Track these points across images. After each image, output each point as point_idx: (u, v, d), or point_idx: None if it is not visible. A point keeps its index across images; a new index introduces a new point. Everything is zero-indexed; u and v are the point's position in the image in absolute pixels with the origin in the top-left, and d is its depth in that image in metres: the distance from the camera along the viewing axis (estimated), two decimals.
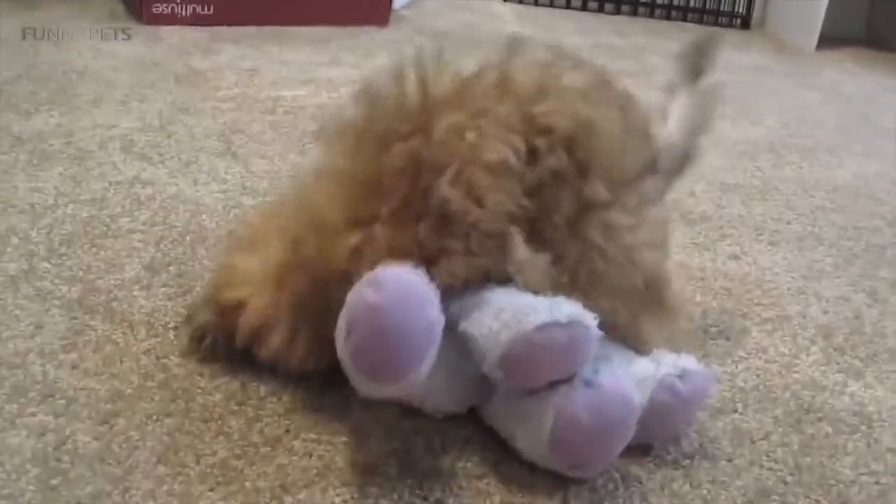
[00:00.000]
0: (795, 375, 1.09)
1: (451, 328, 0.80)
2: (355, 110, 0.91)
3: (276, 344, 0.90)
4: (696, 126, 1.07)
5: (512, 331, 0.80)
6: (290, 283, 0.90)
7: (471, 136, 0.85)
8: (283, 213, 0.97)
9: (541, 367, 0.81)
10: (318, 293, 0.87)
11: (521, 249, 0.86)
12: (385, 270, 0.78)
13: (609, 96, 0.94)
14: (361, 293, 0.76)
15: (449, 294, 0.82)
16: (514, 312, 0.81)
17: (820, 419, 1.01)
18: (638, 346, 0.94)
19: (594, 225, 0.90)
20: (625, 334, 0.94)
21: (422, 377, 0.78)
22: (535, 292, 0.85)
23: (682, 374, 0.89)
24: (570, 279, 0.89)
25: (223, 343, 0.95)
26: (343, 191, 0.88)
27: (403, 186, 0.85)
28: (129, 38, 2.18)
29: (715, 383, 0.93)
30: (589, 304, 0.84)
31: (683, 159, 1.05)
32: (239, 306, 0.92)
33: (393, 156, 0.85)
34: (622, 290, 0.92)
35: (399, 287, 0.77)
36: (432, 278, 0.79)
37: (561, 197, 0.89)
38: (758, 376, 1.07)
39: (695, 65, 1.09)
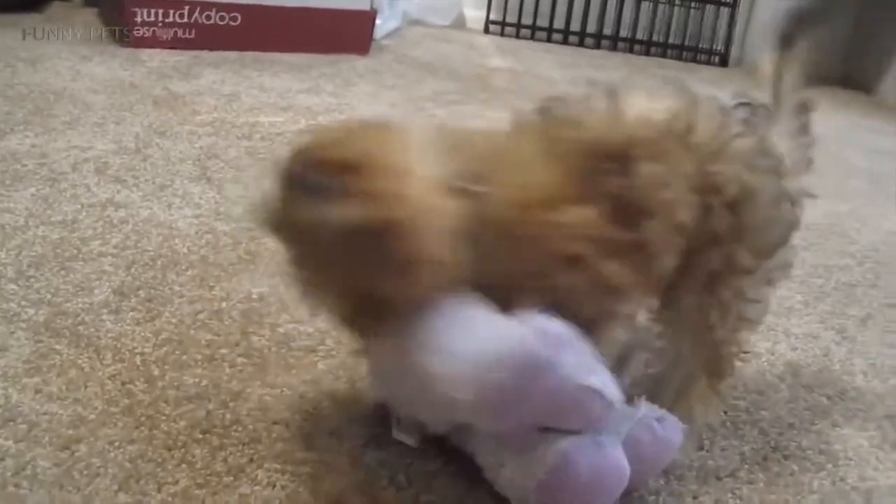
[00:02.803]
0: (763, 413, 1.09)
1: None
2: (558, 115, 0.90)
3: (425, 249, 0.78)
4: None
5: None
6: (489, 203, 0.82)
7: (668, 194, 0.86)
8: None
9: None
10: (508, 238, 0.82)
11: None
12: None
13: (769, 165, 0.94)
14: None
15: None
16: None
17: (786, 457, 1.01)
18: (682, 407, 0.97)
19: (728, 288, 0.94)
20: (670, 386, 1.00)
21: None
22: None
23: (660, 419, 0.90)
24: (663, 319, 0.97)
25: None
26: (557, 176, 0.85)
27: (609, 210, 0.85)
28: (110, 60, 2.17)
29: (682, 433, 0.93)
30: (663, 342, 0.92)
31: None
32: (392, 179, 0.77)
33: (598, 190, 0.85)
34: (699, 351, 0.98)
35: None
36: None
37: (711, 258, 0.92)
38: (725, 413, 1.07)
39: (788, 35, 1.05)
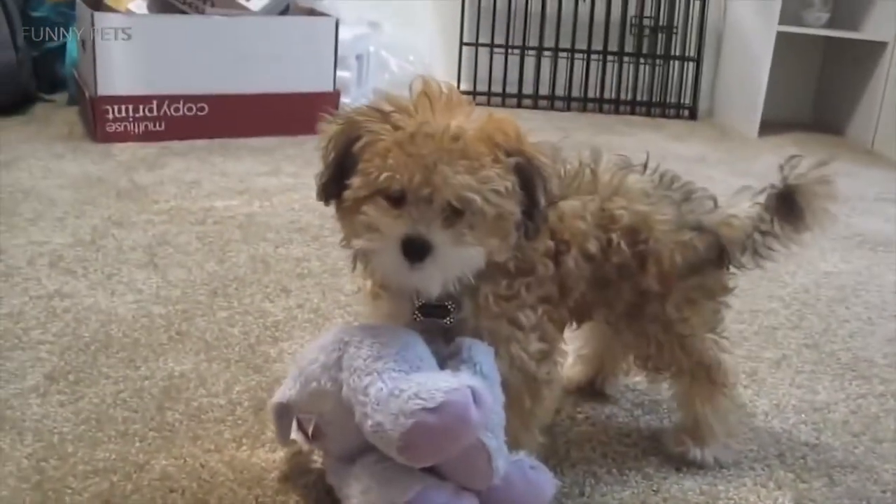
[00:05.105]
0: (653, 458, 1.15)
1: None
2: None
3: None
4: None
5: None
6: None
7: (582, 224, 1.01)
8: None
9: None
10: None
11: None
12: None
13: (666, 196, 1.08)
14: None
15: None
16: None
17: (665, 500, 1.06)
18: (689, 415, 1.15)
19: (647, 315, 1.08)
20: (679, 402, 1.17)
21: None
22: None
23: (535, 466, 0.98)
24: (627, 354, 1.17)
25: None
26: None
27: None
28: (82, 156, 2.30)
29: (554, 488, 1.00)
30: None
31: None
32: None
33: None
34: (673, 368, 1.12)
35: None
36: None
37: (623, 288, 1.06)
38: (613, 459, 1.13)
39: None
